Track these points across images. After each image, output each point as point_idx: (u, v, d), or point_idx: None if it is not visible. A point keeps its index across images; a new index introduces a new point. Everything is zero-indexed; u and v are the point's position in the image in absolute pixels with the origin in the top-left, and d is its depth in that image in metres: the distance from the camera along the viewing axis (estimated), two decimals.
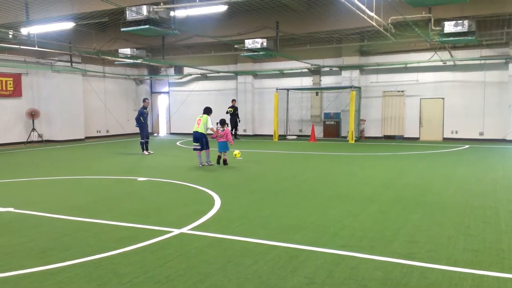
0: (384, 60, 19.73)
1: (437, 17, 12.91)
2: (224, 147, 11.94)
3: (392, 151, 15.05)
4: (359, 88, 19.95)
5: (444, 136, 19.11)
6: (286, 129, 21.80)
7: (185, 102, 24.78)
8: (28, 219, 6.50)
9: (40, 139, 20.09)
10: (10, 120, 19.37)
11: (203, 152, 11.88)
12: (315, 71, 21.36)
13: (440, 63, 18.59)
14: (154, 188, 9.02)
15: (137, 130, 15.27)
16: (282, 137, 20.98)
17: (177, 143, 19.46)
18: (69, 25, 13.88)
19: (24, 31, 13.92)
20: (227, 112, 20.78)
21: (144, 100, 15.15)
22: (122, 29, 11.70)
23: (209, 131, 11.89)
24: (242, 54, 17.47)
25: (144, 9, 10.88)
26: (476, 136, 18.45)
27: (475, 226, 5.78)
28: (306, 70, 21.37)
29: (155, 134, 25.23)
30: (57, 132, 20.58)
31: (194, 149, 11.97)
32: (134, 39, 17.66)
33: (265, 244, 5.12)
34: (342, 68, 20.48)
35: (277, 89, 20.87)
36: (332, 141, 19.38)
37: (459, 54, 18.16)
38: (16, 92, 19.49)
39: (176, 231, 5.66)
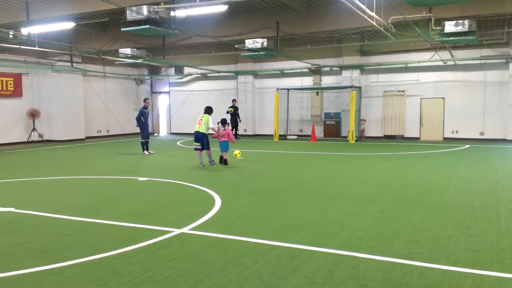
0: (385, 60, 19.72)
1: (438, 16, 12.91)
2: (225, 146, 11.96)
3: (392, 151, 15.05)
4: (360, 88, 19.94)
5: (445, 136, 19.10)
6: (286, 129, 21.79)
7: (185, 102, 24.78)
8: (28, 219, 6.50)
9: (40, 139, 20.11)
10: (10, 120, 19.38)
11: (204, 152, 11.90)
12: (316, 71, 21.35)
13: (441, 63, 18.59)
14: (155, 188, 9.03)
15: (138, 130, 15.27)
16: (283, 137, 20.97)
17: (178, 143, 19.46)
18: (70, 25, 13.89)
19: (24, 31, 13.93)
20: (227, 112, 20.78)
21: (144, 100, 15.15)
22: (122, 29, 11.69)
23: (211, 131, 11.91)
24: (243, 54, 17.46)
25: (145, 9, 10.88)
26: (477, 136, 18.44)
27: (476, 226, 5.78)
28: (307, 70, 21.37)
29: (156, 134, 25.22)
30: (58, 132, 20.60)
31: (195, 149, 11.99)
32: (135, 39, 17.67)
33: (265, 244, 5.12)
34: (342, 68, 20.47)
35: (277, 89, 20.87)
36: (333, 141, 19.37)
37: (460, 54, 18.15)
38: (17, 92, 19.50)
39: (177, 231, 5.66)
